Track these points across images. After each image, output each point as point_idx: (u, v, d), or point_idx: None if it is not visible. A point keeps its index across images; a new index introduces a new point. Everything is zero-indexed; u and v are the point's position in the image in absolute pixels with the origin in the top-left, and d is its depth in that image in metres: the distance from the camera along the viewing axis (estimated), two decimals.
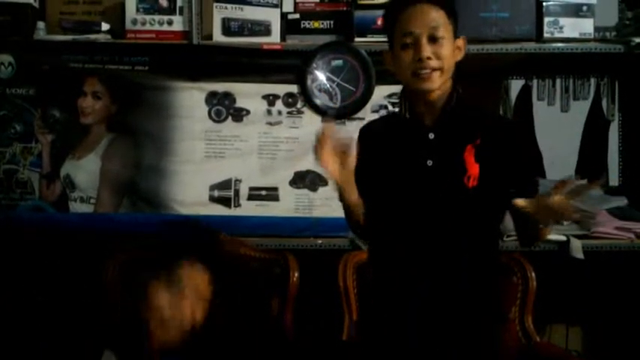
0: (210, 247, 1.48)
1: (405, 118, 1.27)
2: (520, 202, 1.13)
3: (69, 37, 1.86)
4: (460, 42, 1.24)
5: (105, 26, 1.88)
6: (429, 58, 1.19)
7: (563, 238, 1.81)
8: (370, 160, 1.28)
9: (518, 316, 1.63)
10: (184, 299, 1.36)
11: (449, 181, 1.20)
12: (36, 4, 1.87)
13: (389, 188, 1.25)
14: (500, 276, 1.39)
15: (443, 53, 1.19)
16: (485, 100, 2.13)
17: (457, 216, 1.20)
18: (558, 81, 2.32)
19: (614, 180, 2.24)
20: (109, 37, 1.89)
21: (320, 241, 1.85)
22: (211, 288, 1.39)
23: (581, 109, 2.31)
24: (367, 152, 1.29)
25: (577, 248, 1.78)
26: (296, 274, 1.61)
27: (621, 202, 1.98)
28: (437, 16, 1.20)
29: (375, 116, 1.89)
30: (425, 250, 1.22)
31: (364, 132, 1.34)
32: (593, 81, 2.29)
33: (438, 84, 1.20)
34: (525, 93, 2.36)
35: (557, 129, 2.30)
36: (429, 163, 1.21)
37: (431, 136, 1.22)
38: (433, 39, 1.19)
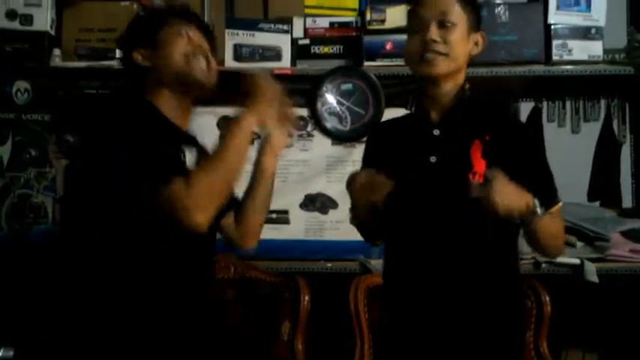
0: None
1: (413, 115, 1.26)
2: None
3: (84, 64, 1.90)
4: (478, 37, 1.20)
5: (119, 53, 1.91)
6: (434, 41, 1.16)
7: (577, 261, 1.78)
8: (378, 157, 1.28)
9: (532, 340, 1.61)
10: None
11: (453, 178, 1.16)
12: (52, 32, 1.91)
13: (393, 185, 1.20)
14: (519, 301, 1.33)
15: (451, 39, 1.17)
16: None
17: (461, 214, 1.15)
18: (568, 103, 2.31)
19: (627, 202, 2.22)
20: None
21: (330, 265, 1.84)
22: None
23: (592, 130, 2.30)
24: (376, 149, 1.30)
25: (591, 272, 1.76)
26: (307, 298, 1.60)
27: (635, 224, 1.95)
28: (449, 2, 1.19)
29: None
30: (429, 251, 1.18)
31: (375, 129, 1.37)
32: (603, 103, 2.28)
33: (443, 70, 1.17)
34: (535, 115, 2.35)
35: (569, 151, 2.29)
36: (432, 159, 1.19)
37: (436, 132, 1.20)
38: (443, 24, 1.17)
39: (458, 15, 1.18)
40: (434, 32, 1.17)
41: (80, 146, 1.32)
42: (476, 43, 1.21)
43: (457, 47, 1.17)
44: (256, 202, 1.31)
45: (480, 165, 1.15)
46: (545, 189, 1.20)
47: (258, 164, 1.31)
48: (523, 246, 1.86)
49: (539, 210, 1.12)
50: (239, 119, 1.15)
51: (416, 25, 1.20)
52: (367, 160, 1.32)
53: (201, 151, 1.27)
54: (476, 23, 1.21)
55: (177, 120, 1.23)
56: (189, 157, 1.22)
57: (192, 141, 1.26)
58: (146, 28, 1.26)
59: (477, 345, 1.17)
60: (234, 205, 1.32)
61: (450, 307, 1.17)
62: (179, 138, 1.22)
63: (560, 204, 1.22)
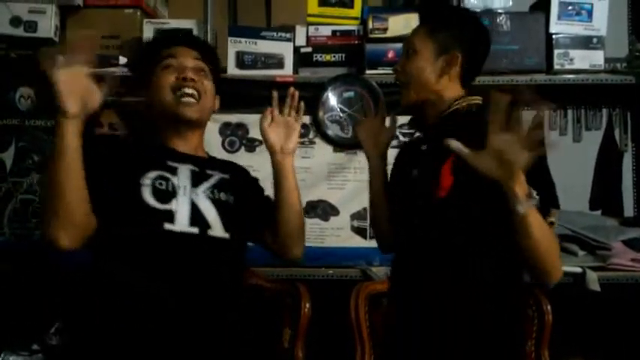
0: None
1: (419, 131, 1.34)
2: (453, 144, 1.06)
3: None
4: (449, 57, 1.21)
5: (122, 60, 1.93)
6: (396, 71, 1.25)
7: (579, 270, 1.78)
8: (393, 173, 1.37)
9: (534, 349, 1.60)
10: None
11: (423, 191, 1.19)
12: (56, 39, 1.93)
13: (393, 199, 1.31)
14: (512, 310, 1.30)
15: (409, 67, 1.22)
16: None
17: (429, 225, 1.18)
18: (570, 112, 2.32)
19: (629, 211, 2.22)
20: (126, 70, 1.94)
21: (331, 271, 1.84)
22: None
23: (593, 139, 2.30)
24: (394, 168, 1.38)
25: (593, 280, 1.76)
26: (307, 305, 1.60)
27: (637, 233, 1.95)
28: (414, 31, 1.26)
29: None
30: (407, 261, 1.23)
31: (399, 150, 1.42)
32: (605, 111, 2.29)
33: (410, 100, 1.23)
34: (537, 124, 2.36)
35: (570, 159, 2.29)
36: (414, 172, 1.23)
37: (424, 147, 1.25)
38: (407, 53, 1.24)
39: (420, 42, 1.22)
40: (399, 63, 1.25)
41: None
42: (448, 63, 1.21)
43: (419, 74, 1.21)
44: (285, 205, 1.32)
45: (446, 180, 1.15)
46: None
47: (273, 166, 1.34)
48: None
49: (524, 204, 1.02)
50: (57, 124, 1.10)
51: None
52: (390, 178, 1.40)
53: (206, 166, 1.33)
54: (447, 44, 1.21)
55: (177, 144, 1.31)
56: (183, 173, 1.28)
57: (190, 159, 1.31)
58: (144, 69, 1.32)
59: (459, 353, 1.16)
60: (270, 217, 1.35)
61: (424, 317, 1.18)
62: (167, 157, 1.28)
63: (555, 216, 1.21)
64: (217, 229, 1.26)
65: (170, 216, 1.22)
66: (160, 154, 1.29)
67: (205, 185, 1.29)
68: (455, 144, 1.06)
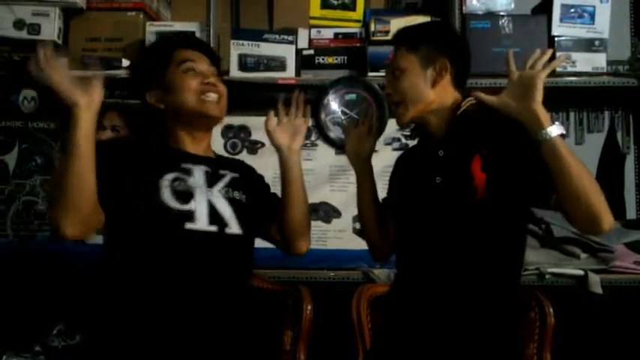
0: None
1: (423, 141, 1.33)
2: (478, 94, 1.15)
3: (90, 73, 1.91)
4: (437, 65, 1.24)
5: (125, 62, 1.93)
6: (389, 94, 1.27)
7: (581, 272, 1.78)
8: (395, 183, 1.37)
9: (536, 352, 1.59)
10: None
11: (456, 195, 1.19)
12: (59, 41, 1.93)
13: (403, 209, 1.30)
14: (518, 312, 1.33)
15: (400, 86, 1.25)
16: None
17: (466, 229, 1.18)
18: (572, 114, 2.32)
19: (631, 213, 2.22)
20: (128, 72, 1.94)
21: (333, 274, 1.84)
22: None
23: (596, 141, 2.30)
24: (394, 177, 1.39)
25: (595, 283, 1.75)
26: (309, 307, 1.60)
27: (639, 235, 1.95)
28: (395, 53, 1.28)
29: (388, 149, 1.91)
30: (432, 271, 1.21)
31: (397, 160, 1.42)
32: (607, 114, 2.29)
33: (408, 117, 1.25)
34: None
35: None
36: (438, 180, 1.22)
37: (441, 153, 1.24)
38: (394, 74, 1.26)
39: (405, 60, 1.25)
40: (387, 87, 1.28)
41: None
42: (439, 72, 1.25)
43: (411, 90, 1.24)
44: (291, 200, 1.37)
45: (479, 178, 1.16)
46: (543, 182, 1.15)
47: (280, 162, 1.38)
48: (527, 258, 1.86)
49: (553, 130, 1.07)
50: (72, 116, 1.13)
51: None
52: (389, 189, 1.41)
53: (218, 166, 1.36)
54: (431, 56, 1.25)
55: (189, 146, 1.33)
56: (198, 173, 1.31)
57: (203, 161, 1.34)
58: (153, 69, 1.33)
59: (465, 354, 1.17)
60: (276, 214, 1.39)
61: (443, 320, 1.19)
62: (181, 159, 1.31)
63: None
64: (234, 227, 1.30)
65: (190, 216, 1.25)
66: (173, 157, 1.32)
67: (220, 185, 1.33)
68: (478, 93, 1.14)
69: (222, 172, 1.36)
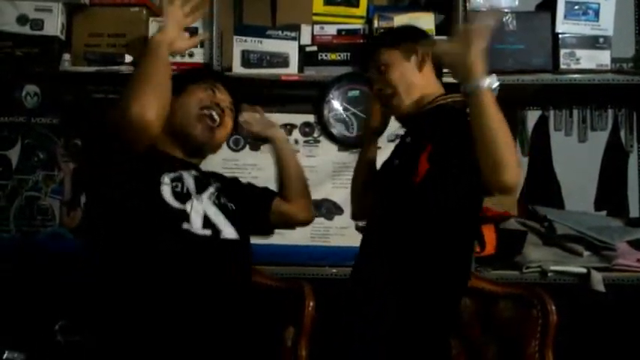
0: None
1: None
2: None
3: (93, 69, 1.92)
4: (418, 51, 1.30)
5: (128, 58, 1.93)
6: (380, 90, 1.32)
7: (584, 270, 1.78)
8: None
9: (538, 350, 1.59)
10: None
11: (401, 178, 1.26)
12: (62, 37, 1.93)
13: (374, 186, 1.41)
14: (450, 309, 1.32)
15: (389, 77, 1.30)
16: None
17: (400, 212, 1.24)
18: (575, 112, 2.32)
19: (634, 211, 2.21)
20: (131, 68, 1.94)
21: (335, 270, 1.84)
22: None
23: (599, 139, 2.30)
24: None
25: (598, 281, 1.75)
26: (311, 304, 1.60)
27: None
28: (376, 54, 1.34)
29: (392, 146, 1.90)
30: (368, 248, 1.31)
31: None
32: (610, 112, 2.28)
33: (405, 106, 1.30)
34: (542, 123, 2.35)
35: (575, 159, 2.29)
36: (396, 162, 1.31)
37: (408, 139, 1.34)
38: (380, 72, 1.32)
39: (387, 56, 1.31)
40: (376, 83, 1.33)
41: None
42: (421, 58, 1.30)
43: (401, 78, 1.29)
44: (288, 171, 1.49)
45: (423, 167, 1.22)
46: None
47: (270, 142, 1.51)
48: (530, 255, 1.86)
49: (483, 82, 1.09)
50: (152, 42, 1.27)
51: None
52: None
53: (203, 173, 1.39)
54: (411, 46, 1.31)
55: (172, 151, 1.35)
56: (189, 179, 1.33)
57: (192, 166, 1.36)
58: (182, 79, 1.39)
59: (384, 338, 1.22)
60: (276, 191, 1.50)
61: (357, 303, 1.27)
62: (175, 162, 1.33)
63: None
64: (228, 232, 1.31)
65: (186, 216, 1.26)
66: (168, 159, 1.34)
67: (210, 191, 1.35)
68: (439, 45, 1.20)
69: (209, 179, 1.39)
